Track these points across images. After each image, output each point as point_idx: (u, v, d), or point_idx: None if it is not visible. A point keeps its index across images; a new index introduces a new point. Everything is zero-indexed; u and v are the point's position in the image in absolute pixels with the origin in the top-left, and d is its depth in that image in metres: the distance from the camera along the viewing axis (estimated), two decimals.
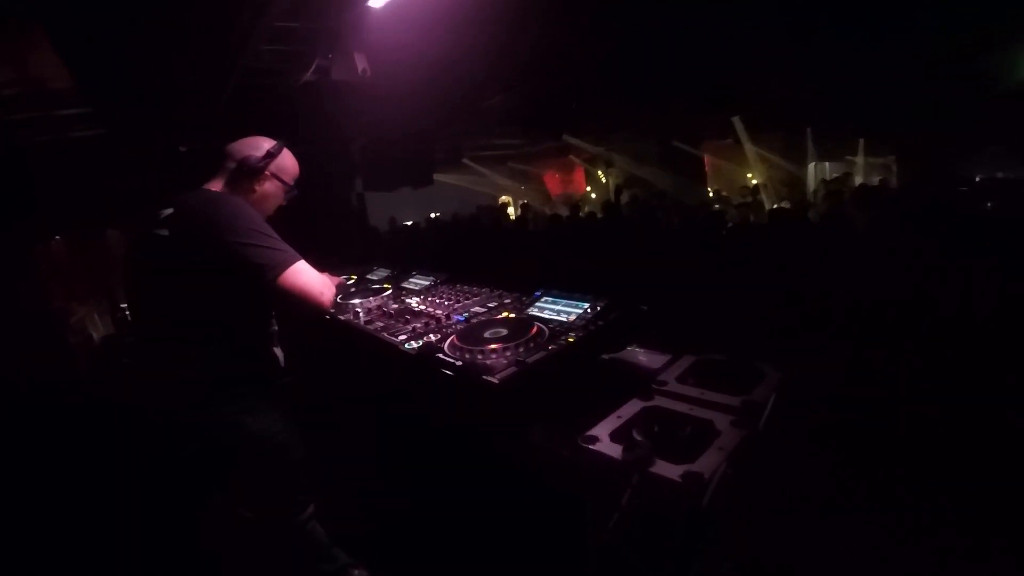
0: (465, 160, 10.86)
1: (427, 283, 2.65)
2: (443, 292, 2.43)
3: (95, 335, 9.27)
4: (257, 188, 1.62)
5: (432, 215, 11.46)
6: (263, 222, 1.47)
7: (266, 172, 1.63)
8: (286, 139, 1.70)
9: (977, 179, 8.15)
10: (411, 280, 2.78)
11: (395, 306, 2.29)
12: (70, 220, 7.30)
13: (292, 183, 1.71)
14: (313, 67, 2.66)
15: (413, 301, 2.32)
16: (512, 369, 1.41)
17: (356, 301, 2.41)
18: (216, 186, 1.60)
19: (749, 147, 11.00)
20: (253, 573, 2.04)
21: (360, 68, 2.60)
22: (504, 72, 5.16)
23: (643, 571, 1.59)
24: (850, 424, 2.62)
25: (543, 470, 1.67)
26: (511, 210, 13.48)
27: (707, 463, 1.20)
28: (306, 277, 1.41)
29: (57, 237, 9.63)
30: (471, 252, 6.01)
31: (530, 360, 1.46)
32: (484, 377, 1.39)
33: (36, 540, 2.64)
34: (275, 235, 1.46)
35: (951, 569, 1.90)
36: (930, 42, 3.45)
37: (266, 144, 1.65)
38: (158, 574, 2.35)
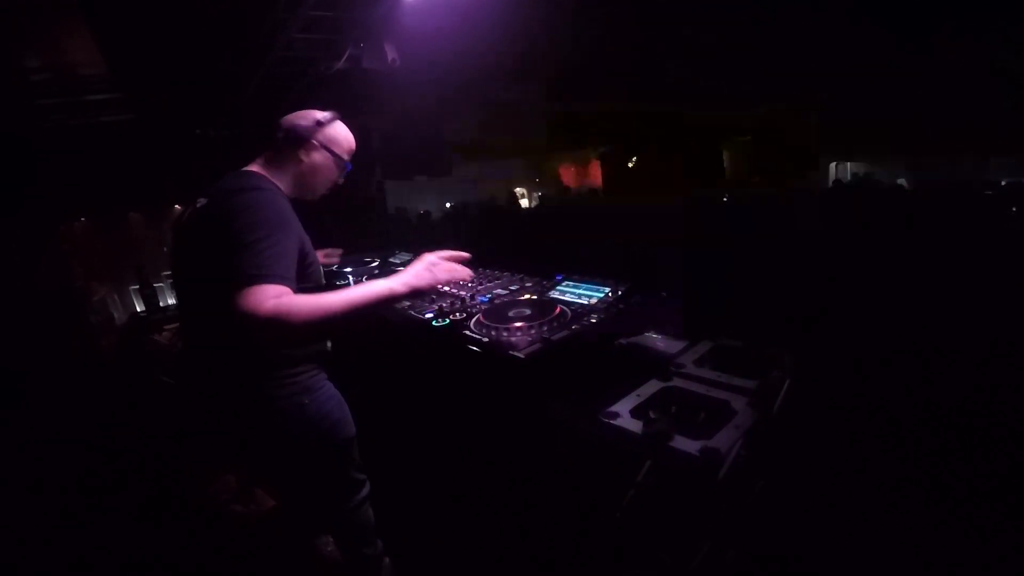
0: (481, 150, 10.90)
1: None
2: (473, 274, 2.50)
3: (116, 314, 9.51)
4: (304, 159, 1.56)
5: (447, 204, 11.57)
6: (280, 225, 1.36)
7: (313, 141, 1.57)
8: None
9: (1003, 183, 8.04)
10: None
11: None
12: (94, 202, 7.48)
13: (346, 157, 1.65)
14: (346, 56, 2.72)
15: None
16: (537, 346, 1.47)
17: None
18: (259, 163, 1.57)
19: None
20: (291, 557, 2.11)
21: (390, 58, 2.66)
22: (524, 66, 5.20)
23: (652, 548, 1.65)
24: (862, 415, 2.64)
25: (560, 448, 1.73)
26: (524, 202, 13.53)
27: (724, 440, 1.25)
28: (250, 305, 1.20)
29: (82, 219, 9.87)
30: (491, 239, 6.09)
31: (554, 338, 1.52)
32: (511, 353, 1.45)
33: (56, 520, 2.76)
34: (282, 245, 1.33)
35: (960, 567, 1.92)
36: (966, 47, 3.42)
37: (317, 114, 1.61)
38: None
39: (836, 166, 12.92)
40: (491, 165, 12.73)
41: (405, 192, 8.74)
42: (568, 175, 15.22)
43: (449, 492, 2.34)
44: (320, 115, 1.61)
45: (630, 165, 12.14)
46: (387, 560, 1.96)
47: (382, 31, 2.64)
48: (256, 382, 1.49)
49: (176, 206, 11.13)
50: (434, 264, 1.42)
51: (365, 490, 1.79)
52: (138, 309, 10.51)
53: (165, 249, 11.36)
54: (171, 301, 10.95)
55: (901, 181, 9.17)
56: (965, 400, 2.62)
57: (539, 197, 12.06)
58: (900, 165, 11.37)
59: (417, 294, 1.38)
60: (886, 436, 2.54)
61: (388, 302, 1.35)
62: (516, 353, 1.44)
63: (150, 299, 4.84)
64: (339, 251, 3.00)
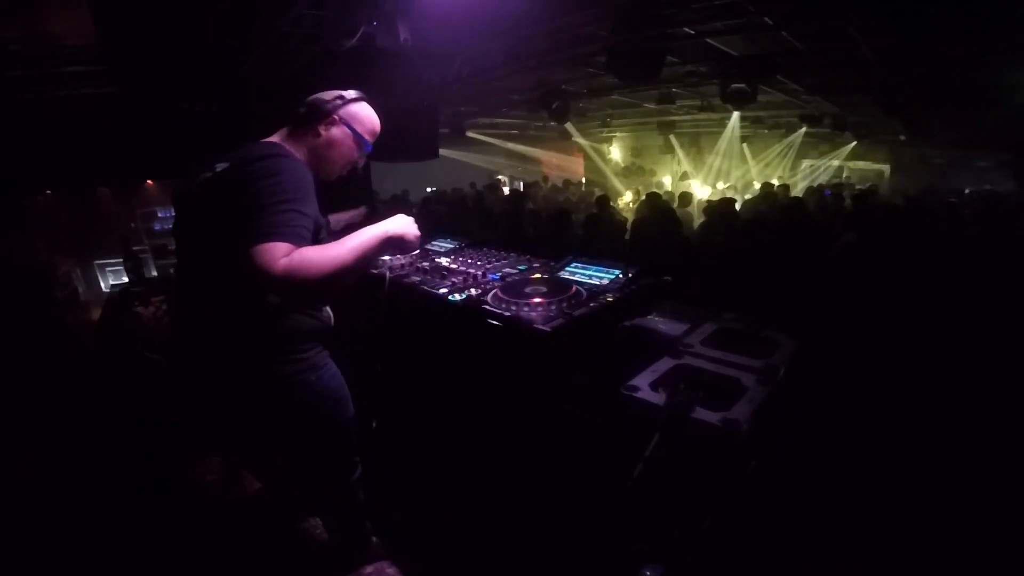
0: (470, 134, 10.84)
1: (452, 246, 2.72)
2: (471, 254, 2.52)
3: (81, 289, 9.24)
4: (323, 132, 1.55)
5: (428, 189, 11.49)
6: (299, 190, 1.35)
7: (334, 116, 1.56)
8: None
9: (966, 191, 8.46)
10: (434, 243, 2.84)
11: (426, 264, 2.36)
12: (62, 176, 7.16)
13: (367, 137, 1.63)
14: (359, 34, 2.67)
15: (444, 260, 2.41)
16: (560, 320, 1.52)
17: (385, 258, 2.48)
18: (280, 136, 1.57)
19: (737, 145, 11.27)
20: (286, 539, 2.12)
21: (403, 37, 2.64)
22: (519, 54, 5.19)
23: (662, 521, 1.71)
24: (859, 402, 2.73)
25: (569, 424, 1.78)
26: (506, 190, 13.52)
27: (741, 412, 1.32)
28: (262, 261, 1.20)
29: (47, 192, 9.48)
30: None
31: (575, 314, 1.57)
32: (535, 326, 1.49)
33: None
34: (298, 208, 1.31)
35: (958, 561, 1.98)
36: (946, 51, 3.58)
37: (343, 92, 1.62)
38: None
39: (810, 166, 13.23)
40: (473, 149, 12.70)
41: (381, 173, 8.61)
42: (550, 164, 15.25)
43: (453, 469, 2.35)
44: (346, 92, 1.61)
45: None
46: (374, 539, 1.99)
47: (395, 9, 2.62)
48: (265, 357, 1.48)
49: (148, 182, 10.77)
50: (413, 222, 1.52)
51: (358, 472, 1.81)
52: (106, 283, 10.18)
53: (132, 225, 11.00)
54: (151, 274, 10.66)
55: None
56: (944, 388, 2.77)
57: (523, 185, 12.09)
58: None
59: (401, 242, 1.47)
60: (878, 419, 2.65)
61: (385, 243, 1.42)
62: (541, 327, 1.48)
63: (135, 270, 4.68)
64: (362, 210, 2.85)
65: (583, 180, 14.31)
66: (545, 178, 12.80)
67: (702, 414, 1.30)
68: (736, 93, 5.68)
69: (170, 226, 10.88)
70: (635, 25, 3.85)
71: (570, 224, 5.53)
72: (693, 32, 4.04)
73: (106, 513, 2.55)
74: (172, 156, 5.09)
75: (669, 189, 11.94)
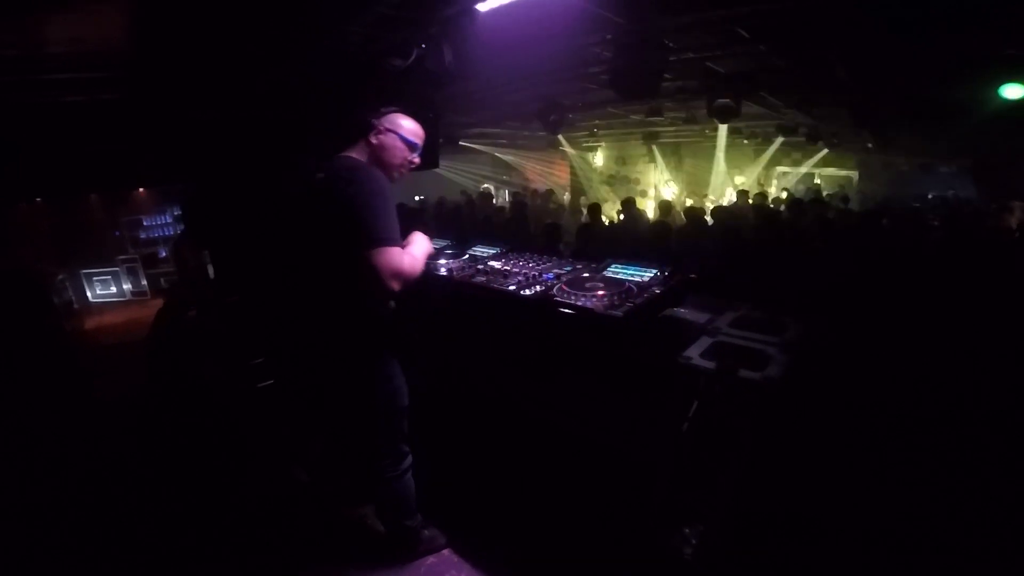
0: (463, 143, 11.18)
1: (495, 251, 3.00)
2: (516, 258, 2.82)
3: (74, 299, 9.21)
4: (374, 140, 1.94)
5: (416, 198, 11.77)
6: (389, 199, 1.77)
7: (380, 126, 1.96)
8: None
9: (929, 196, 9.17)
10: (476, 248, 3.12)
11: (481, 266, 2.70)
12: (55, 184, 7.16)
13: (413, 139, 2.01)
14: (414, 55, 2.98)
15: (496, 264, 2.73)
16: (629, 307, 1.89)
17: (441, 262, 2.82)
18: (353, 151, 1.96)
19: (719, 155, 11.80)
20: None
21: (447, 60, 2.95)
22: (526, 72, 5.52)
23: (707, 472, 2.03)
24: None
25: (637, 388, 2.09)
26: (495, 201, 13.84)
27: (774, 371, 1.71)
28: (387, 261, 1.68)
29: (36, 199, 9.44)
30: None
31: (638, 302, 1.94)
32: (609, 312, 1.86)
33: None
34: (393, 215, 1.76)
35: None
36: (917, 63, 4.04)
37: (382, 108, 2.04)
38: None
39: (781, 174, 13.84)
40: (459, 159, 13.03)
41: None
42: (534, 173, 15.63)
43: (508, 459, 2.59)
44: (383, 107, 2.04)
45: None
46: (427, 532, 2.26)
47: (443, 33, 2.90)
48: (364, 339, 1.90)
49: (140, 190, 10.74)
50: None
51: (408, 461, 2.12)
52: (93, 293, 10.10)
53: (117, 233, 10.95)
54: (126, 286, 10.64)
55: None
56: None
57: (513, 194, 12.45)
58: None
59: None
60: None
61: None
62: (615, 312, 1.85)
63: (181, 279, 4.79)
64: None
65: (568, 187, 14.77)
66: (526, 188, 13.15)
67: (745, 373, 1.68)
68: (721, 108, 6.18)
69: (156, 234, 10.85)
70: (639, 49, 4.25)
71: (561, 234, 5.88)
72: (693, 56, 4.47)
73: (174, 504, 2.82)
74: (171, 162, 5.22)
75: (651, 197, 12.49)
